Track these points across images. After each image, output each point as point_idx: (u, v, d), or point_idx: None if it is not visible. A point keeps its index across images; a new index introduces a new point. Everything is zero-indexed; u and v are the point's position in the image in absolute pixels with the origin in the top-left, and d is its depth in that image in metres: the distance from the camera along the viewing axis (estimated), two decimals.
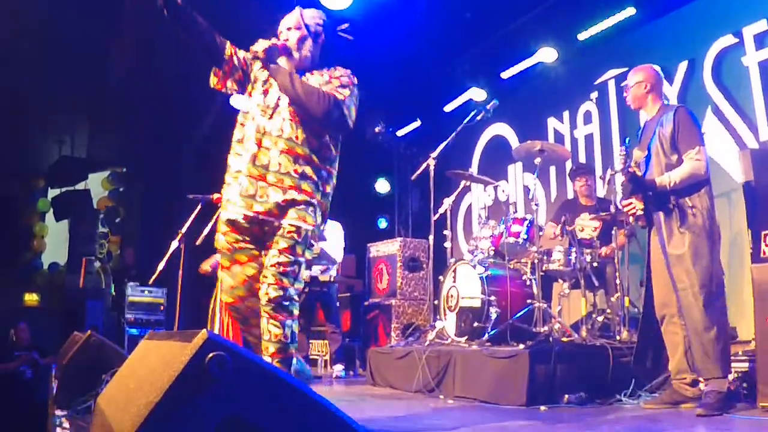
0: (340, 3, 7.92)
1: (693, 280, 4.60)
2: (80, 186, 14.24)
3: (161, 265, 6.27)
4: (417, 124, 12.04)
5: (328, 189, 4.13)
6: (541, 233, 6.94)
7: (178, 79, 10.24)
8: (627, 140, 5.03)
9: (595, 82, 8.99)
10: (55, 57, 9.70)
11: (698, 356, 4.55)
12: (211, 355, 1.86)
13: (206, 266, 7.53)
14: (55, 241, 15.13)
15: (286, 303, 3.91)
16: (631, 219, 5.17)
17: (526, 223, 7.01)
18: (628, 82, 5.24)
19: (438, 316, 7.13)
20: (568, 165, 8.88)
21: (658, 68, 5.30)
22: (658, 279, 4.95)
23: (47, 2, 8.50)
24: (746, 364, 4.96)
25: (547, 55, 9.38)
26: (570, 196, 8.97)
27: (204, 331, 1.95)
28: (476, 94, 10.61)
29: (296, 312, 4.01)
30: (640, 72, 5.21)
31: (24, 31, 9.04)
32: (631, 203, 4.94)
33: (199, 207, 6.51)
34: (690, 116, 4.89)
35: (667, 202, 4.79)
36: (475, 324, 6.48)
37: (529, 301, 6.51)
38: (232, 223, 4.00)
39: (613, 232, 6.64)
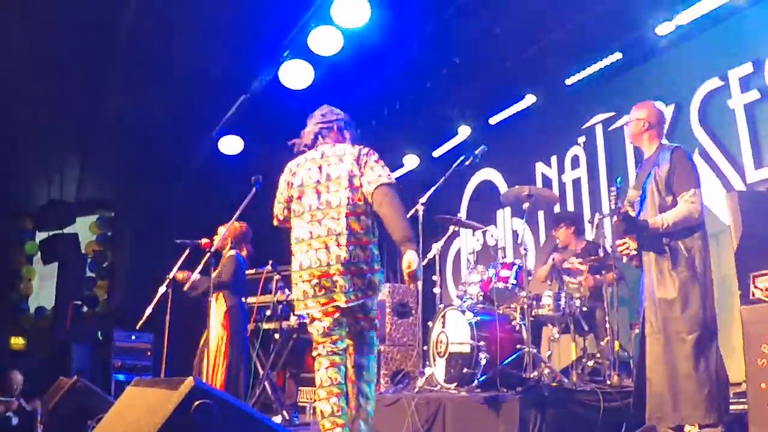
0: (355, 21, 7.93)
1: (680, 326, 4.58)
2: (68, 230, 14.20)
3: (148, 310, 6.23)
4: (407, 168, 12.01)
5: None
6: (530, 278, 6.93)
7: (167, 123, 10.27)
8: (618, 180, 5.01)
9: (583, 127, 9.05)
10: (45, 97, 9.72)
11: (680, 402, 4.51)
12: (197, 402, 1.84)
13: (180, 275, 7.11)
14: (41, 285, 15.05)
15: None
16: (624, 259, 5.13)
17: (515, 267, 7.00)
18: (629, 117, 5.22)
19: (427, 362, 7.08)
20: (557, 209, 8.90)
21: (660, 105, 5.29)
22: (649, 319, 4.90)
23: (39, 44, 8.53)
24: (737, 407, 4.94)
25: (533, 100, 9.46)
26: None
27: (190, 378, 1.93)
28: (465, 132, 10.64)
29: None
30: (641, 108, 5.19)
31: (15, 71, 9.06)
32: (624, 243, 4.91)
33: (187, 252, 6.48)
34: (687, 158, 4.91)
35: (660, 244, 4.78)
36: (465, 370, 6.44)
37: (518, 346, 6.48)
38: None
39: (601, 274, 6.65)
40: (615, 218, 4.87)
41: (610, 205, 4.82)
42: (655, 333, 4.69)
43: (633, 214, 4.97)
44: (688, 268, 4.69)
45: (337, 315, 4.54)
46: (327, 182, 4.62)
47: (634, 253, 4.91)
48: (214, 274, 6.23)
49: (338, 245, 4.46)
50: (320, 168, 4.69)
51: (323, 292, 4.48)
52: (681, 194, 4.78)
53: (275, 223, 4.95)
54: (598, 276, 6.93)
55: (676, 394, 4.51)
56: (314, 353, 4.59)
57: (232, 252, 7.26)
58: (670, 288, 4.67)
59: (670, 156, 4.86)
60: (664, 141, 5.17)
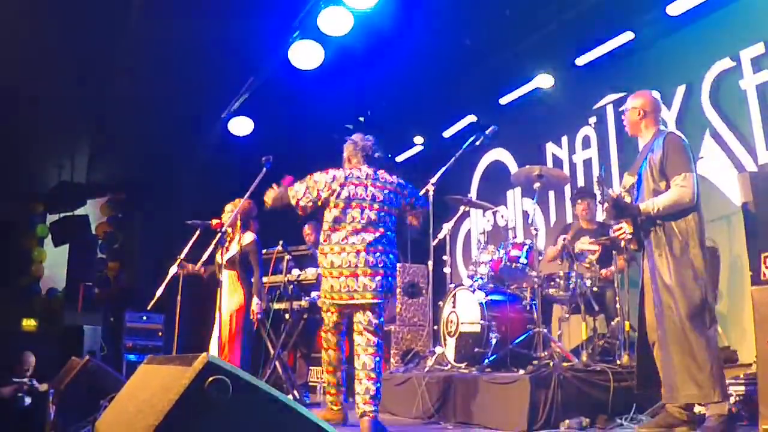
0: (365, 1, 7.88)
1: (679, 308, 4.62)
2: (79, 211, 14.22)
3: (159, 291, 6.25)
4: (418, 148, 12.02)
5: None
6: (540, 258, 6.93)
7: (177, 105, 10.27)
8: (602, 168, 5.09)
9: (594, 107, 9.01)
10: (55, 81, 9.73)
11: (686, 381, 4.53)
12: (211, 378, 1.85)
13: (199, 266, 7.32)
14: (53, 267, 15.09)
15: None
16: (622, 243, 5.22)
17: (526, 248, 6.99)
18: (626, 107, 5.27)
19: (438, 342, 7.11)
20: (567, 190, 8.88)
21: (656, 94, 5.31)
22: (648, 303, 4.97)
23: (48, 29, 8.52)
24: (748, 387, 4.94)
25: (544, 81, 9.41)
26: (570, 219, 8.97)
27: (204, 354, 1.94)
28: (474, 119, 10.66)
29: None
30: (636, 98, 5.24)
31: (25, 56, 9.06)
32: (621, 228, 5.01)
33: (197, 233, 6.50)
34: (680, 142, 4.92)
35: (653, 228, 4.85)
36: (475, 349, 6.46)
37: (529, 326, 6.50)
38: None
39: (613, 255, 6.64)
40: (605, 204, 4.95)
41: (598, 194, 4.88)
42: (661, 315, 4.72)
43: (630, 199, 5.03)
44: (681, 250, 4.72)
45: (347, 311, 5.63)
46: (372, 202, 5.59)
47: (630, 237, 4.99)
48: (226, 255, 6.27)
49: (367, 252, 5.44)
50: (366, 187, 5.62)
51: (346, 289, 5.43)
52: (673, 178, 4.81)
53: (299, 211, 5.71)
54: (611, 268, 6.92)
55: (679, 373, 4.54)
56: (324, 334, 5.78)
57: (252, 236, 7.25)
58: (666, 272, 4.72)
59: (663, 141, 4.90)
60: (662, 127, 5.18)
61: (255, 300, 7.07)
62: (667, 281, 4.70)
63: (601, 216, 7.85)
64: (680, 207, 4.76)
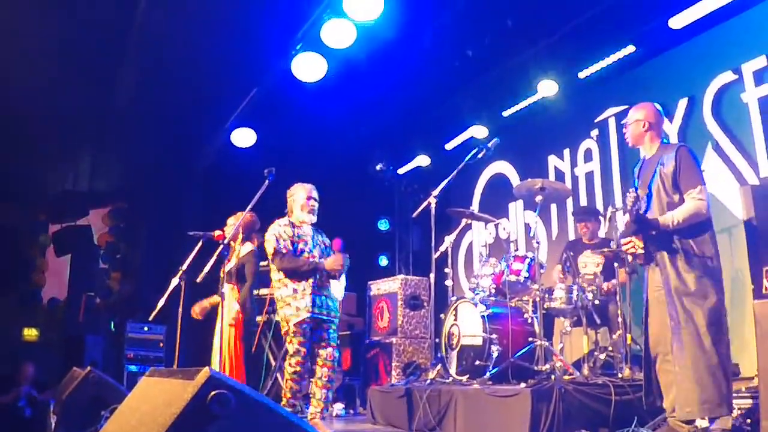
0: (368, 14, 7.89)
1: (701, 320, 4.56)
2: (81, 221, 14.24)
3: (161, 302, 6.25)
4: (420, 161, 12.02)
5: None
6: (542, 271, 6.92)
7: (180, 116, 10.29)
8: (636, 182, 5.04)
9: (596, 120, 9.03)
10: (58, 89, 9.75)
11: (696, 395, 4.50)
12: (213, 393, 1.85)
13: (197, 309, 7.34)
14: (55, 276, 15.09)
15: None
16: (629, 258, 5.15)
17: (527, 260, 7.00)
18: (627, 120, 5.23)
19: (439, 355, 7.10)
20: (569, 203, 8.88)
21: (658, 106, 5.29)
22: (654, 317, 4.92)
23: (52, 37, 8.55)
24: (749, 401, 4.93)
25: (547, 88, 9.39)
26: (571, 235, 8.98)
27: (206, 369, 1.95)
28: (478, 131, 10.65)
29: None
30: (640, 110, 5.19)
31: (28, 65, 9.09)
32: (630, 242, 4.91)
33: (200, 244, 6.49)
34: (691, 155, 4.89)
35: (671, 242, 4.77)
36: (477, 362, 6.45)
37: (530, 339, 6.49)
38: None
39: (615, 268, 6.64)
40: (627, 218, 4.88)
41: (626, 205, 4.81)
42: (678, 327, 4.65)
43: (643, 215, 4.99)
44: (701, 262, 4.67)
45: None
46: None
47: (641, 251, 4.90)
48: (229, 266, 6.27)
49: None
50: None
51: None
52: (688, 191, 4.77)
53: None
54: (613, 281, 6.90)
55: (690, 387, 4.50)
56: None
57: (250, 247, 7.25)
58: (689, 283, 4.65)
59: (675, 154, 4.86)
60: (665, 140, 5.16)
61: (235, 308, 7.03)
62: (688, 290, 4.62)
63: (603, 230, 7.85)
64: (698, 219, 4.72)
